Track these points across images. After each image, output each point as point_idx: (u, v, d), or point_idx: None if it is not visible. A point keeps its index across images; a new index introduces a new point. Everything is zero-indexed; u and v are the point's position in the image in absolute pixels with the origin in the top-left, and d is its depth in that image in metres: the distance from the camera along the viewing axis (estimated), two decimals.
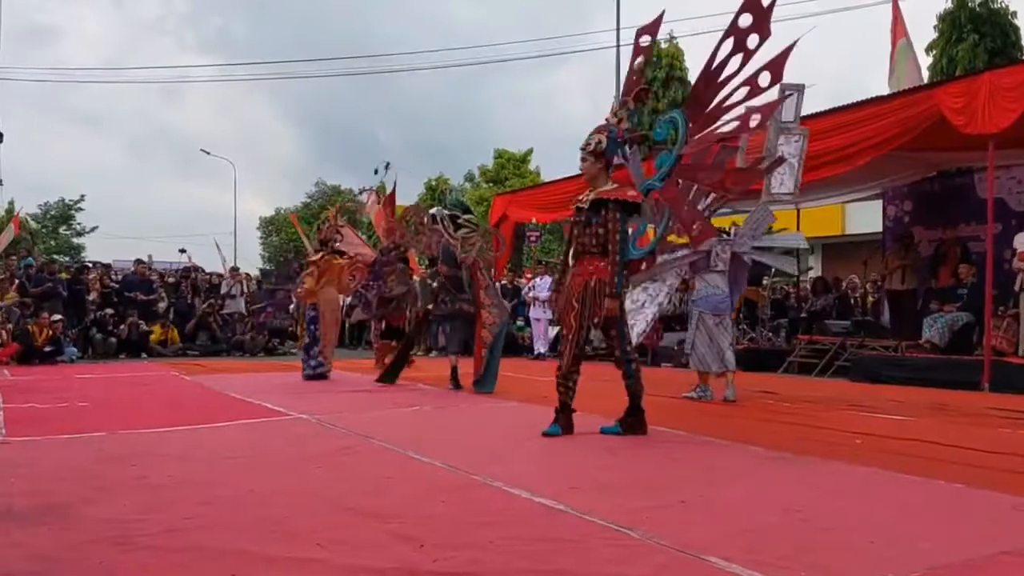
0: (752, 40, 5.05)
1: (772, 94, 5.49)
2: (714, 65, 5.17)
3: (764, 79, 5.05)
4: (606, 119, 5.35)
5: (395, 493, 3.57)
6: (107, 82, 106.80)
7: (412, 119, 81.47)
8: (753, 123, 5.20)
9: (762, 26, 4.99)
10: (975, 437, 5.24)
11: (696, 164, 5.62)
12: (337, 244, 10.23)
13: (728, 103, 5.18)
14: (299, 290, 10.18)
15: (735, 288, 7.69)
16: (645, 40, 5.62)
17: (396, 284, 10.37)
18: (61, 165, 74.44)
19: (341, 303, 9.90)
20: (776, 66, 5.03)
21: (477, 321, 8.23)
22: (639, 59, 5.61)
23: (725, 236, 7.45)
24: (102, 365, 12.84)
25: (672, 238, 6.70)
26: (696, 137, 5.31)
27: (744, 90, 5.12)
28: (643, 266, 5.64)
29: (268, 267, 11.81)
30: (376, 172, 10.67)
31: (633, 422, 5.26)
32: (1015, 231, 10.13)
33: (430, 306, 9.07)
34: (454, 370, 8.59)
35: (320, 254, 9.94)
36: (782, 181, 7.33)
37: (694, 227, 5.40)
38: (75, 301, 15.07)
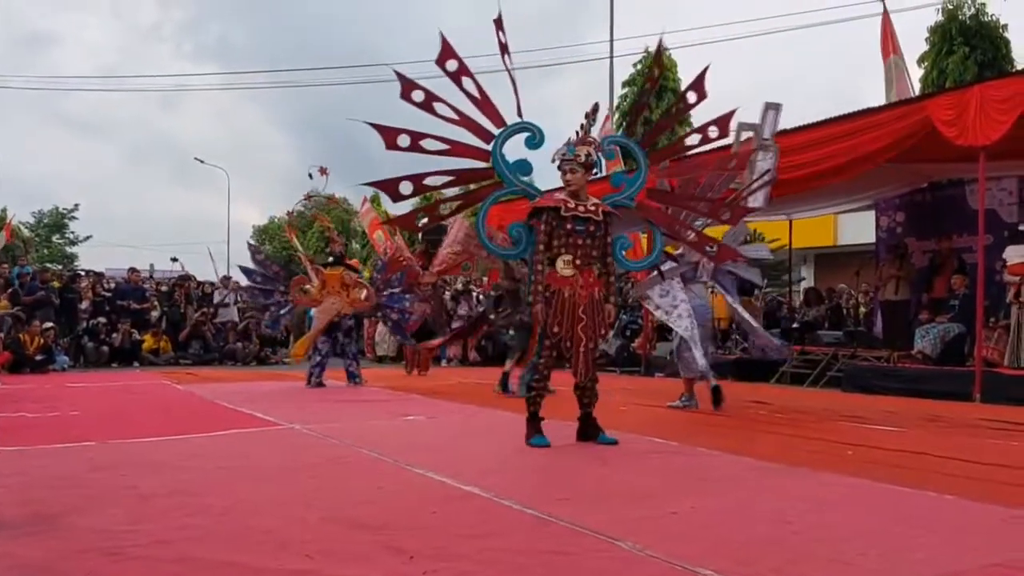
0: (691, 96, 5.97)
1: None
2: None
3: (713, 131, 6.02)
4: (579, 133, 5.33)
5: (386, 504, 3.56)
6: (103, 90, 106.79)
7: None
8: (712, 135, 6.05)
9: (700, 88, 5.93)
10: (967, 448, 5.25)
11: (685, 193, 6.49)
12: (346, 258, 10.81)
13: (684, 144, 6.33)
14: (298, 295, 10.52)
15: (733, 299, 7.92)
16: (452, 65, 5.57)
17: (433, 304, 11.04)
18: (56, 173, 74.41)
19: (341, 314, 10.25)
20: (723, 122, 6.07)
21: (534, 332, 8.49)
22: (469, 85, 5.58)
23: (709, 248, 7.51)
24: (93, 374, 12.81)
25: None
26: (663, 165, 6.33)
27: (697, 137, 6.05)
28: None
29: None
30: (311, 176, 10.73)
31: (593, 427, 5.31)
32: (1007, 242, 10.19)
33: (492, 316, 9.47)
34: (506, 375, 9.03)
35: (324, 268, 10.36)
36: (756, 196, 7.71)
37: (708, 248, 6.31)
38: (67, 309, 15.03)
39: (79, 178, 74.69)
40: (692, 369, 7.48)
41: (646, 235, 6.86)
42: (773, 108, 7.82)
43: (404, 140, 5.50)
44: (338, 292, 10.20)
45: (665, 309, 7.44)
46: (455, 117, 5.54)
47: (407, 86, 5.49)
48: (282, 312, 11.17)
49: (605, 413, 5.51)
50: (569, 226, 5.10)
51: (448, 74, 5.55)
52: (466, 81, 5.55)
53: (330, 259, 10.61)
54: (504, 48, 5.56)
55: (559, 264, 5.08)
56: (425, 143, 5.53)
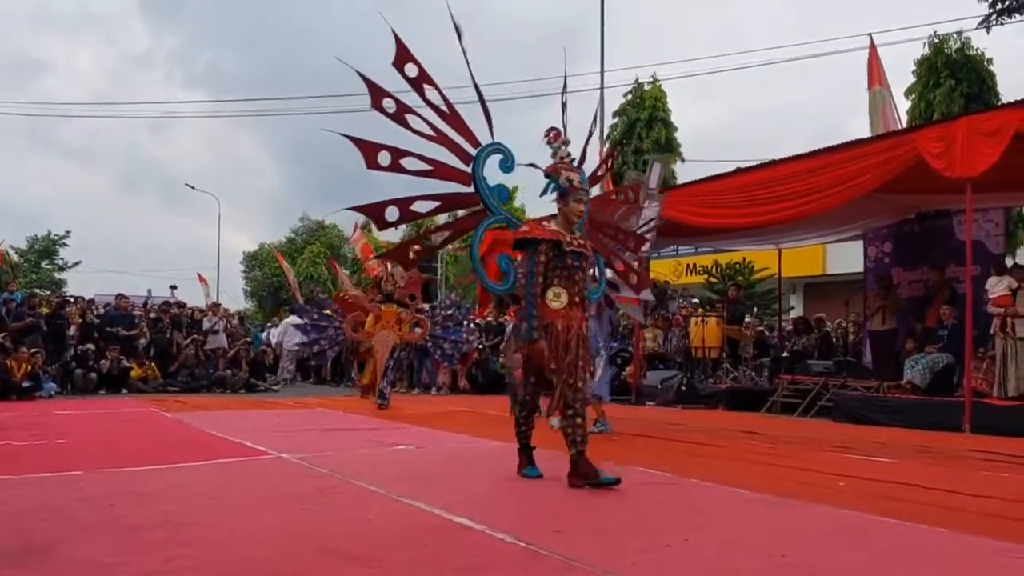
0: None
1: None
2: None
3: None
4: (567, 159, 5.16)
5: (377, 536, 3.53)
6: (95, 116, 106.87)
7: None
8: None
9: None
10: (957, 480, 5.25)
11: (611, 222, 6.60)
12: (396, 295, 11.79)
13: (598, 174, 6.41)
14: (351, 327, 11.83)
15: (602, 331, 8.50)
16: (411, 70, 5.23)
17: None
18: (46, 198, 74.30)
19: (395, 345, 11.43)
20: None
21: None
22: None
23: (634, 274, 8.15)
24: (81, 401, 12.70)
25: None
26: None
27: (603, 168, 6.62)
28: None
29: (303, 304, 15.81)
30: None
31: (591, 470, 4.83)
32: (994, 273, 10.26)
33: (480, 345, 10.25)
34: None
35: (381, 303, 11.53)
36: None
37: (631, 277, 6.53)
38: (55, 336, 14.93)
39: (69, 204, 74.67)
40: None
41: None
42: (659, 161, 8.54)
43: (385, 158, 5.09)
44: (392, 326, 11.37)
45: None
46: (431, 133, 5.15)
47: (377, 94, 5.11)
48: (330, 347, 13.05)
49: (597, 442, 5.50)
50: (569, 261, 4.90)
51: (408, 80, 5.13)
52: (429, 91, 5.15)
53: (382, 296, 11.64)
54: (467, 60, 5.26)
55: (549, 296, 4.85)
56: (406, 162, 5.13)
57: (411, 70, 5.17)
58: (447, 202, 5.37)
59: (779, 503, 4.39)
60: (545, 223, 5.15)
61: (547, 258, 4.86)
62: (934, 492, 4.76)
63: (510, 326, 11.05)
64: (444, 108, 5.21)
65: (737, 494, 4.64)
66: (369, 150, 5.06)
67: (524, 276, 4.92)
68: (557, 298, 4.86)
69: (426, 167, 5.16)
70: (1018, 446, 7.03)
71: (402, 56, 5.15)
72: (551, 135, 5.23)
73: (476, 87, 5.33)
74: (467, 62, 5.30)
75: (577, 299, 4.93)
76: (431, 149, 5.21)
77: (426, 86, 5.20)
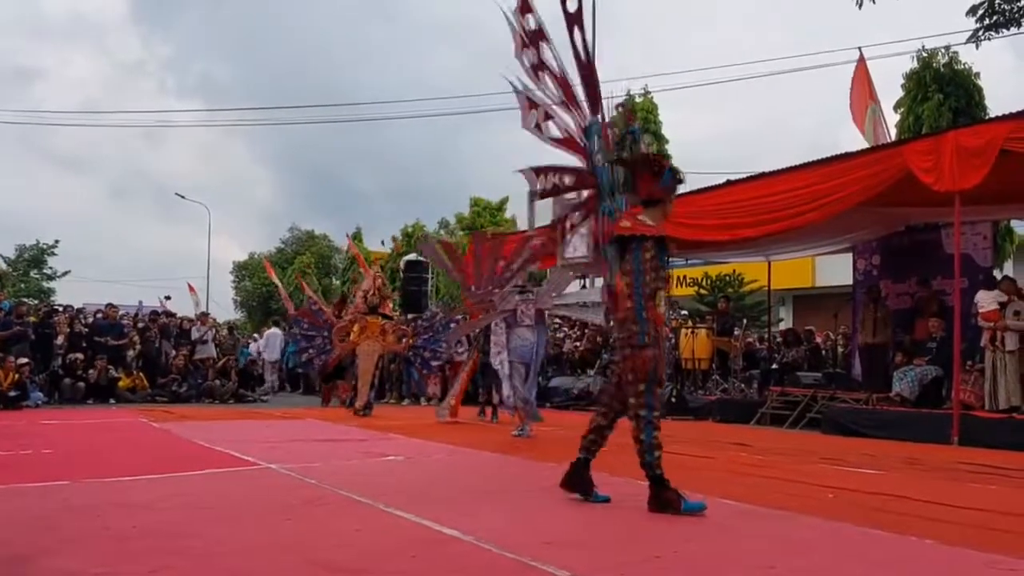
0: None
1: None
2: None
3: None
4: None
5: (364, 547, 3.51)
6: (86, 125, 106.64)
7: (389, 167, 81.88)
8: None
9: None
10: (946, 492, 5.27)
11: None
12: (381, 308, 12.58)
13: None
14: (341, 339, 12.58)
15: (542, 339, 9.08)
16: (531, 21, 4.91)
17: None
18: (37, 207, 73.96)
19: (379, 355, 12.34)
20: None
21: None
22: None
23: (530, 295, 8.79)
24: (69, 411, 12.62)
25: None
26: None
27: None
28: None
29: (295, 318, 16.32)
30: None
31: (588, 480, 4.74)
32: (981, 286, 10.31)
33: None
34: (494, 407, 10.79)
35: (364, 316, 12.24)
36: (575, 247, 7.94)
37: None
38: (42, 345, 14.84)
39: (60, 213, 74.20)
40: (506, 403, 9.06)
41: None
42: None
43: (532, 118, 4.85)
44: (376, 337, 12.05)
45: (499, 348, 8.85)
46: (554, 92, 4.80)
47: (522, 42, 4.75)
48: (318, 356, 13.45)
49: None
50: (667, 259, 4.54)
51: (524, 33, 4.77)
52: (546, 50, 4.77)
53: (366, 308, 12.32)
54: (589, 17, 4.83)
55: (656, 300, 4.38)
56: (546, 126, 4.87)
57: (531, 21, 4.85)
58: (579, 180, 5.09)
59: (768, 514, 4.39)
60: (640, 217, 4.56)
61: (652, 256, 4.39)
62: (923, 504, 4.77)
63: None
64: (583, 55, 4.80)
65: (727, 505, 4.64)
66: (526, 107, 4.86)
67: (629, 275, 4.41)
68: (659, 301, 4.41)
69: (559, 135, 4.92)
70: (1006, 458, 7.06)
71: (525, 4, 4.82)
72: (626, 113, 4.82)
73: (588, 51, 4.90)
74: (581, 21, 4.85)
75: (659, 295, 4.44)
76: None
77: (542, 43, 4.87)
